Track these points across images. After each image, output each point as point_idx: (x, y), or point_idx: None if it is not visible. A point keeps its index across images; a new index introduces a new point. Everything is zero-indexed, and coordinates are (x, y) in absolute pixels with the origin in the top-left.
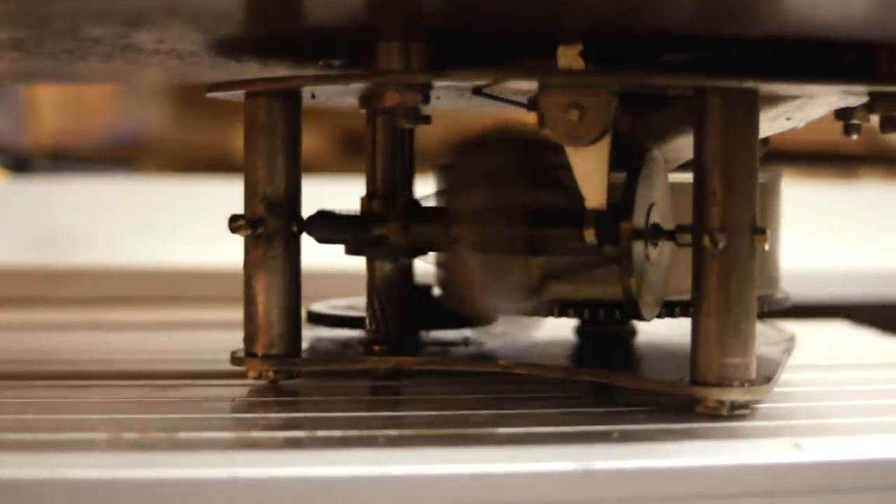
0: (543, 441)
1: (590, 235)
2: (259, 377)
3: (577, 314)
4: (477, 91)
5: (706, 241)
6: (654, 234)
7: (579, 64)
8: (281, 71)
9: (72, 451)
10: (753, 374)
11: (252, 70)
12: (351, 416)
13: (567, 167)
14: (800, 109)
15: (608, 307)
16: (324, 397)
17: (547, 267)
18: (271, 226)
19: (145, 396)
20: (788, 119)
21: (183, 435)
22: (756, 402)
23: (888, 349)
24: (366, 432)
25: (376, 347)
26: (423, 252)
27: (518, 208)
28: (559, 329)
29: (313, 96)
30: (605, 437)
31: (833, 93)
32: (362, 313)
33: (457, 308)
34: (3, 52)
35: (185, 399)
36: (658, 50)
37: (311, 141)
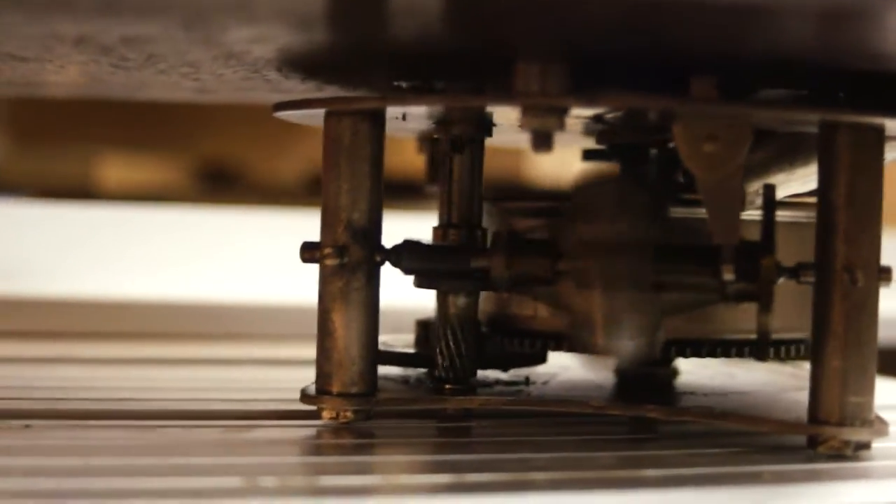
0: (693, 483)
1: (728, 272)
2: (336, 417)
3: (698, 353)
4: (598, 120)
5: (845, 279)
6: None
7: (714, 95)
8: (335, 92)
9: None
10: (873, 414)
11: (302, 91)
12: (449, 460)
13: (688, 204)
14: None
15: (726, 345)
16: (404, 439)
17: (670, 304)
18: (355, 255)
19: (217, 439)
20: None
21: (326, 480)
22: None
23: None
24: (497, 476)
25: (448, 386)
26: (523, 286)
27: (646, 244)
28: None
29: (404, 118)
30: (755, 479)
31: None
32: (410, 349)
33: (579, 347)
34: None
35: (271, 441)
36: (754, 86)
37: (172, 171)
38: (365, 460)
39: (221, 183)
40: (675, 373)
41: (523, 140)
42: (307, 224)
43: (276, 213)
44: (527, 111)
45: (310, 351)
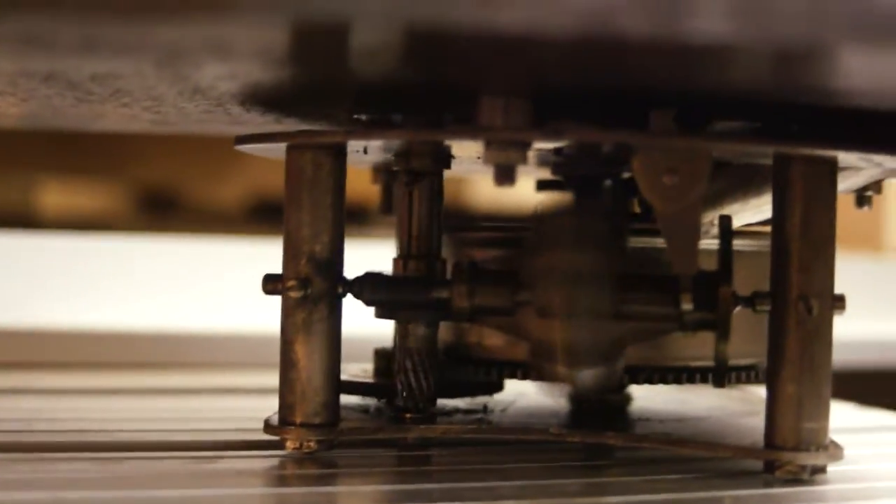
0: None
1: (686, 301)
2: (299, 447)
3: (650, 380)
4: (557, 153)
5: (800, 308)
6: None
7: (673, 129)
8: (294, 124)
9: None
10: (828, 439)
11: (261, 123)
12: (418, 489)
13: (644, 233)
14: (845, 180)
15: (678, 372)
16: (368, 468)
17: (629, 333)
18: (318, 287)
19: (183, 470)
20: None
21: None
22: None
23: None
24: None
25: (408, 415)
26: (483, 316)
27: (605, 273)
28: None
29: (366, 151)
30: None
31: None
32: (369, 379)
33: (540, 376)
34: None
35: (237, 471)
36: (708, 119)
37: (111, 199)
38: (332, 490)
39: (161, 210)
40: (628, 399)
41: (473, 170)
42: (249, 252)
43: (217, 240)
44: (490, 145)
45: (263, 379)
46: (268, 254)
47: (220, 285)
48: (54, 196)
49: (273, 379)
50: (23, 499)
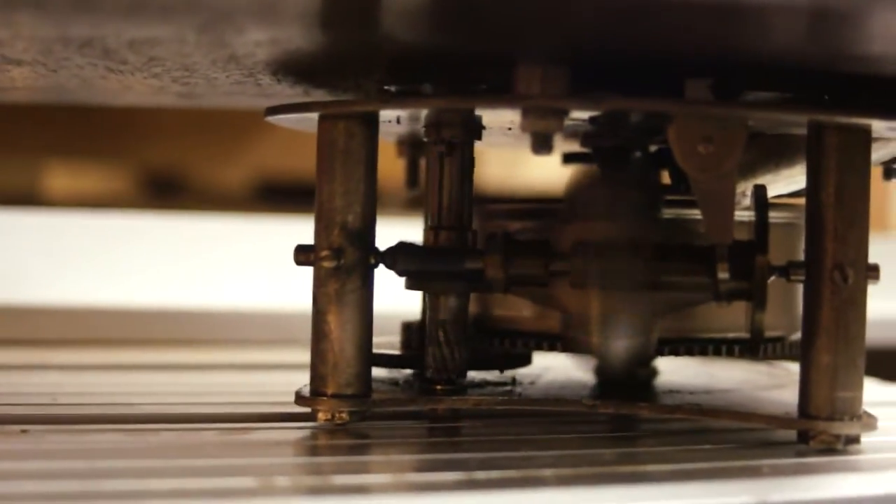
0: (697, 477)
1: (723, 271)
2: (331, 418)
3: (676, 352)
4: (593, 122)
5: (836, 277)
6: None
7: (709, 97)
8: (323, 97)
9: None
10: (862, 409)
11: (289, 96)
12: (454, 458)
13: (676, 205)
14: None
15: (704, 344)
16: (402, 439)
17: (664, 303)
18: (351, 257)
19: (216, 441)
20: None
21: (336, 479)
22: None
23: None
24: (506, 473)
25: (439, 387)
26: (517, 286)
27: (640, 244)
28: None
29: (399, 121)
30: (755, 472)
31: None
32: (396, 351)
33: (573, 347)
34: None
35: (270, 442)
36: (739, 89)
37: (117, 180)
38: (367, 459)
39: (167, 191)
40: (654, 373)
41: (499, 143)
42: (256, 230)
43: (224, 219)
44: (528, 113)
45: (278, 355)
46: (275, 231)
47: (225, 262)
48: (61, 178)
49: (287, 355)
50: (60, 468)
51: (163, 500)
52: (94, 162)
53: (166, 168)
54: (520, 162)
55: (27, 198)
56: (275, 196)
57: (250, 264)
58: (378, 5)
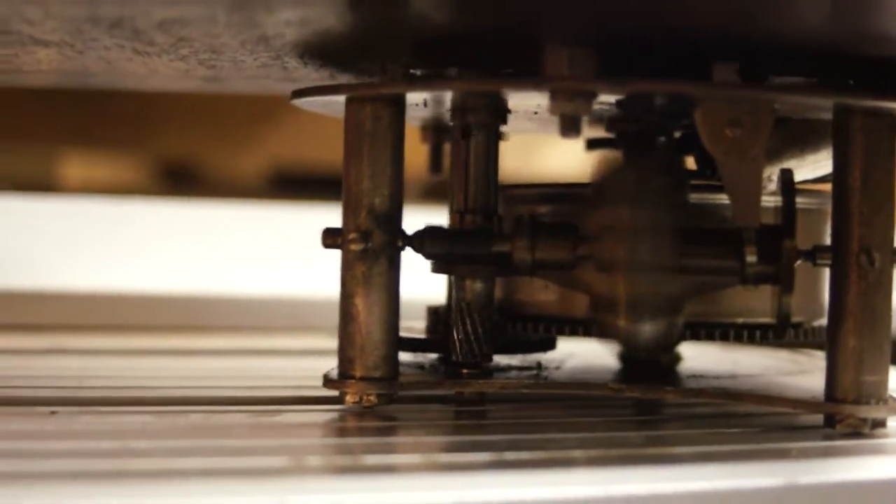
0: (726, 459)
1: (751, 254)
2: (359, 401)
3: (697, 336)
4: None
5: (862, 261)
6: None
7: (736, 80)
8: (348, 80)
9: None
10: (888, 393)
11: (314, 80)
12: (484, 440)
13: (702, 189)
14: None
15: (734, 329)
16: (431, 421)
17: (691, 287)
18: (378, 240)
19: (246, 422)
20: None
21: (369, 459)
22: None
23: None
24: (535, 454)
25: (465, 371)
26: (544, 270)
27: (667, 227)
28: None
29: (426, 104)
30: (783, 455)
31: None
32: (421, 335)
33: (601, 331)
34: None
35: (299, 424)
36: (764, 73)
37: (132, 169)
38: (397, 441)
39: (182, 179)
40: (677, 358)
41: (522, 128)
42: (271, 218)
43: (239, 208)
44: (557, 96)
45: (298, 342)
46: (289, 219)
47: (239, 250)
48: (76, 166)
49: (305, 341)
50: (93, 447)
51: (195, 478)
52: (110, 150)
53: (181, 156)
54: (534, 151)
55: (43, 185)
56: (289, 185)
57: (264, 252)
58: None
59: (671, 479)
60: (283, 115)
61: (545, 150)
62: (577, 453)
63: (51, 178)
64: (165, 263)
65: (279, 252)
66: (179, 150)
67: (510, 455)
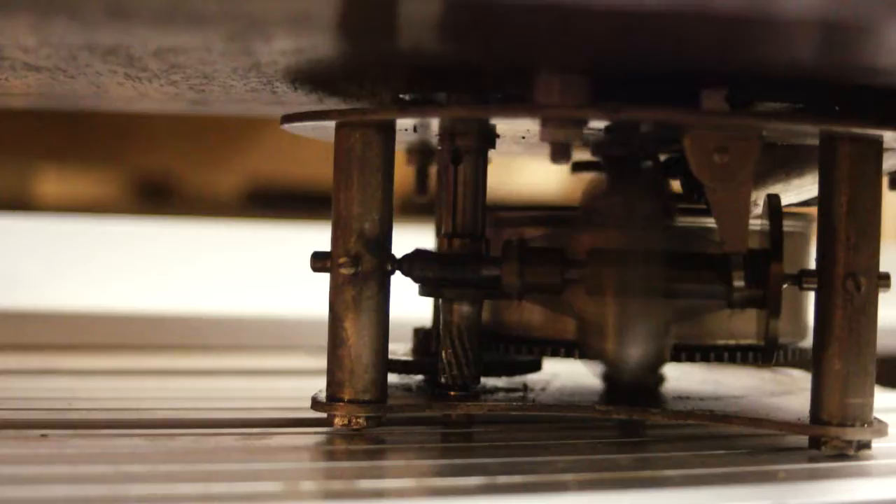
0: (716, 482)
1: (738, 278)
2: (348, 424)
3: (692, 358)
4: (608, 131)
5: (848, 285)
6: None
7: (724, 108)
8: (336, 104)
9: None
10: (873, 415)
11: (303, 103)
12: (474, 463)
13: (689, 213)
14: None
15: (708, 351)
16: (419, 444)
17: (679, 310)
18: (368, 264)
19: (235, 446)
20: None
21: (363, 484)
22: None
23: None
24: (527, 478)
25: (453, 393)
26: (532, 294)
27: (655, 251)
28: (578, 374)
29: (415, 130)
30: (771, 477)
31: None
32: (408, 357)
33: (589, 354)
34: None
35: (288, 447)
36: (751, 100)
37: (108, 185)
38: (388, 464)
39: (159, 196)
40: (662, 379)
41: (511, 152)
42: (247, 236)
43: (216, 225)
44: (547, 122)
45: (278, 361)
46: (266, 237)
47: (216, 268)
48: (53, 183)
49: (284, 360)
50: (89, 472)
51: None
52: (87, 167)
53: (158, 173)
54: (511, 171)
55: (19, 202)
56: (266, 202)
57: (241, 270)
58: (406, 15)
59: (663, 502)
60: (261, 133)
61: (523, 168)
62: (568, 477)
63: (27, 194)
64: (139, 282)
65: (255, 269)
66: (156, 167)
67: (502, 479)
